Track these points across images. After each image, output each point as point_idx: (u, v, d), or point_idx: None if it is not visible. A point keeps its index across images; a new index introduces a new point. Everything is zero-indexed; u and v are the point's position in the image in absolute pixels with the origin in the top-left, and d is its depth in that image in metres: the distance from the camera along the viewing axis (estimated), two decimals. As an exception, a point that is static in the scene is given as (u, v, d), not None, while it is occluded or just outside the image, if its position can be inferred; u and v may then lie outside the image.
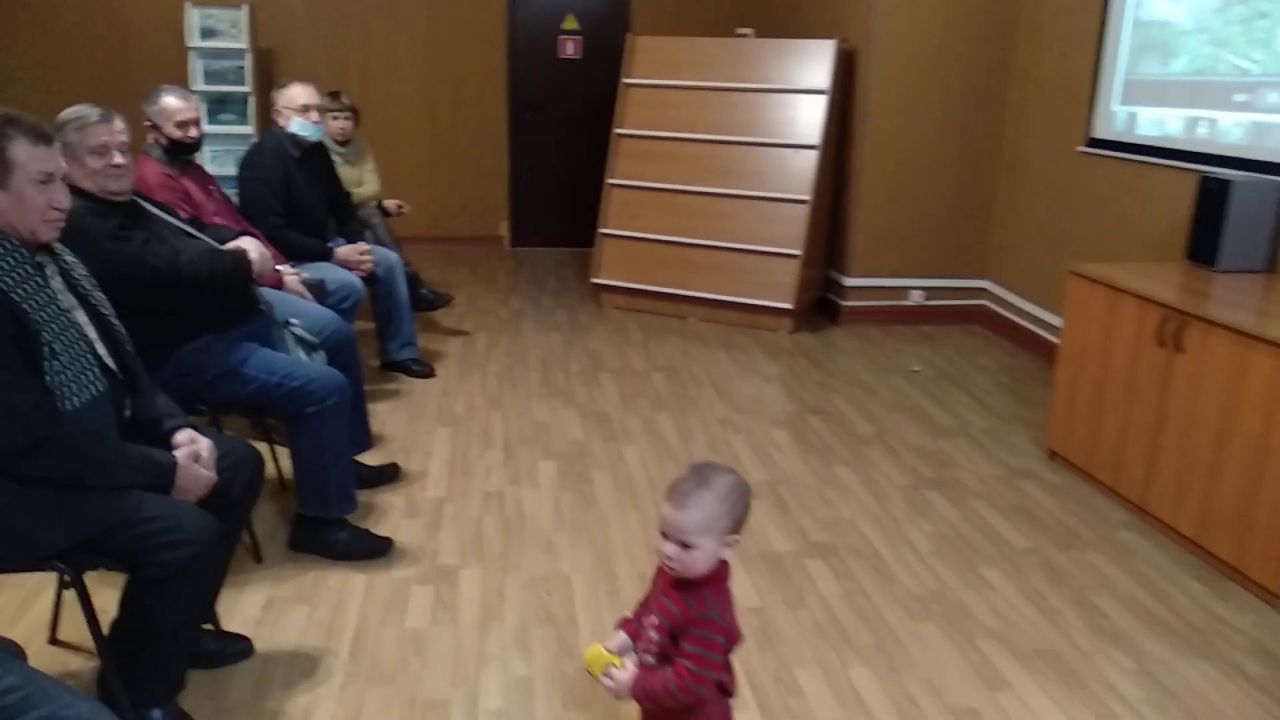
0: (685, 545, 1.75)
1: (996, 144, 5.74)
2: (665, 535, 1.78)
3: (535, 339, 5.40)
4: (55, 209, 2.04)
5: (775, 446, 4.05)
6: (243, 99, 6.32)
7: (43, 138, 2.02)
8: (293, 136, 4.15)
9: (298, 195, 4.13)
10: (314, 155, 4.32)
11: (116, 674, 2.15)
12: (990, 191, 5.82)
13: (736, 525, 1.78)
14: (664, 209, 5.91)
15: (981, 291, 5.95)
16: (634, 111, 6.04)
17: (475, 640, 2.67)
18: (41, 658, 2.52)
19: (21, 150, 1.98)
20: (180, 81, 5.99)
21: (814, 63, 5.65)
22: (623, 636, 1.92)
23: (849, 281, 5.92)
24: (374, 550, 3.06)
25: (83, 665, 2.50)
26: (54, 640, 2.59)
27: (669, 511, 1.76)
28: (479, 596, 2.89)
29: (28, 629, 2.63)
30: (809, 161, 5.60)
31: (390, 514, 3.35)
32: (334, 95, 5.02)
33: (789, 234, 5.61)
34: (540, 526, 3.32)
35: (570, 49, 7.46)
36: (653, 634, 1.86)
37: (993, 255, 5.88)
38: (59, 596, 2.61)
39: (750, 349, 5.37)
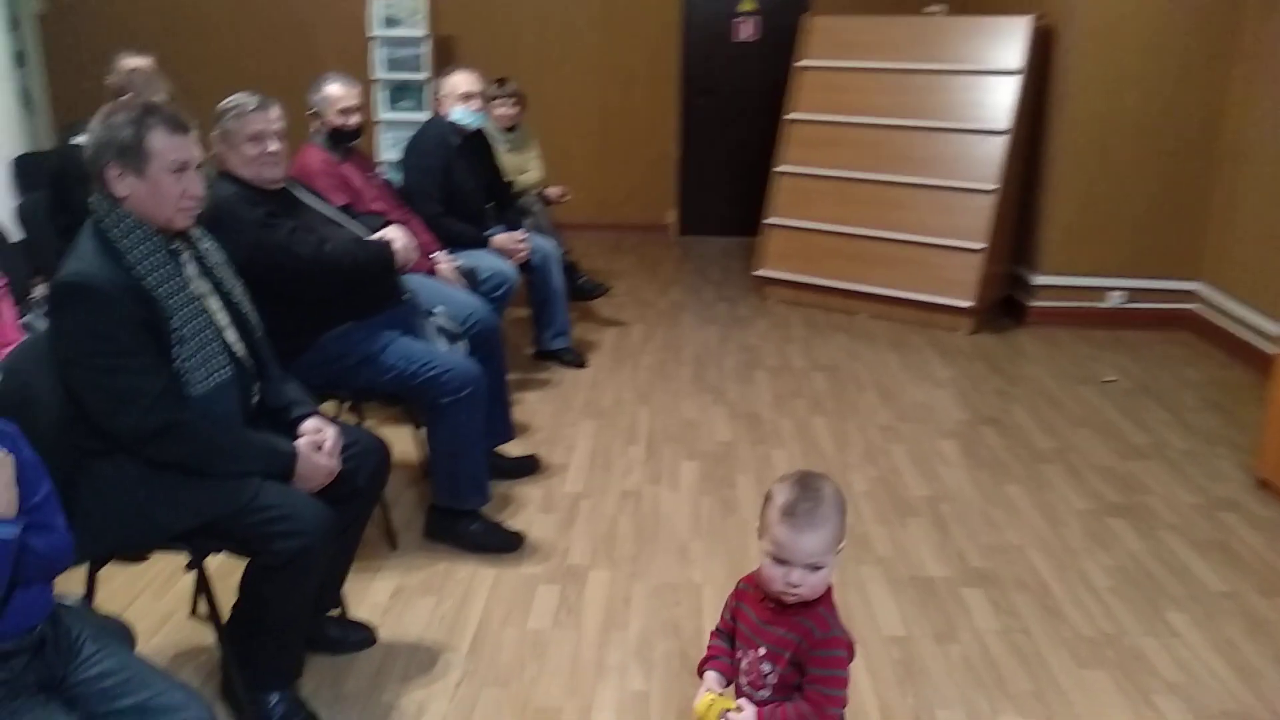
0: (814, 567, 1.63)
1: (1215, 130, 5.14)
2: (785, 561, 1.63)
3: (692, 332, 5.26)
4: (189, 197, 2.06)
5: (941, 459, 3.75)
6: (420, 86, 6.47)
7: (179, 128, 2.03)
8: (454, 124, 4.16)
9: (457, 183, 4.14)
10: (475, 143, 4.33)
11: (234, 657, 2.17)
12: (1207, 183, 5.21)
13: (844, 531, 1.68)
14: (835, 198, 5.63)
15: (1191, 295, 5.35)
16: (806, 95, 5.78)
17: (595, 648, 2.57)
18: (180, 630, 2.61)
19: (159, 139, 2.00)
20: (361, 70, 6.21)
21: (1006, 41, 5.22)
22: (714, 676, 1.77)
23: (1038, 279, 5.46)
24: (505, 545, 3.01)
25: (216, 643, 2.56)
26: (194, 614, 2.68)
27: (795, 536, 1.62)
28: (604, 601, 2.78)
29: (174, 600, 2.73)
30: (997, 148, 5.18)
31: (526, 507, 3.30)
32: (501, 82, 5.03)
33: (972, 226, 5.21)
34: (675, 531, 3.18)
35: (746, 31, 7.24)
36: (765, 667, 1.71)
37: (1208, 255, 5.27)
38: (200, 576, 2.69)
39: (923, 350, 5.03)
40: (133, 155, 2.00)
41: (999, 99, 5.21)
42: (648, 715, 2.33)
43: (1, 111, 4.50)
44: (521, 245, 4.21)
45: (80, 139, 3.80)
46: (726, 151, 7.47)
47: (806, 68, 5.79)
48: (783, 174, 5.83)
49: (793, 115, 5.80)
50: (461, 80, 4.18)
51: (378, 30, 6.42)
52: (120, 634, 1.77)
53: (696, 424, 4.02)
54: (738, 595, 1.80)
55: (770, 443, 3.86)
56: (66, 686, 1.55)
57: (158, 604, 2.71)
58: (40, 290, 3.31)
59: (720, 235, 7.57)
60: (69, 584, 2.24)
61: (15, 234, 3.71)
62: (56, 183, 3.73)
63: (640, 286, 6.14)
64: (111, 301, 1.95)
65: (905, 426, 4.05)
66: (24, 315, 3.02)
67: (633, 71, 7.29)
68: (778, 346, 5.04)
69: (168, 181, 2.03)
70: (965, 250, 5.21)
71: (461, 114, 4.17)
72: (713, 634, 1.84)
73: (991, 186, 5.15)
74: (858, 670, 2.47)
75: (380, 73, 6.48)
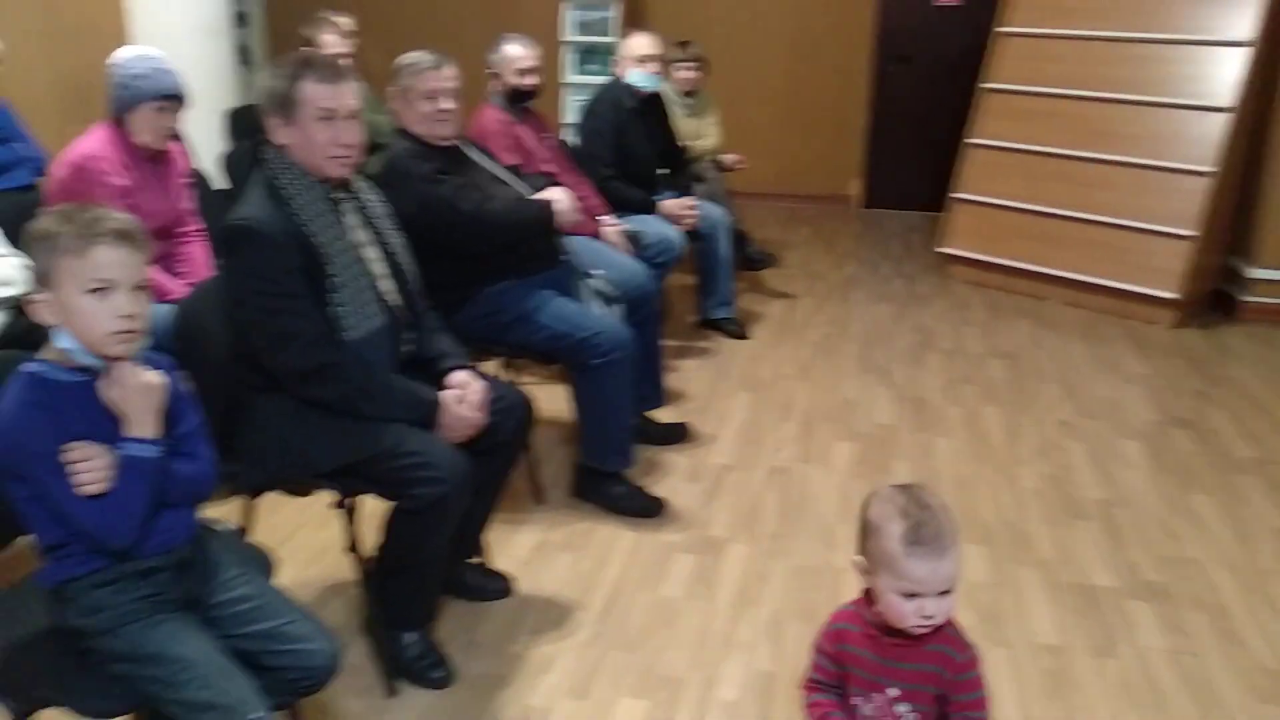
0: (946, 592, 1.50)
1: None
2: (917, 595, 1.50)
3: (863, 308, 5.08)
4: (339, 145, 2.12)
5: (1122, 461, 3.47)
6: (608, 49, 6.51)
7: (329, 77, 2.10)
8: (630, 87, 4.15)
9: (629, 146, 4.13)
10: (651, 107, 4.30)
11: (374, 595, 2.27)
12: None
13: None
14: (1030, 174, 5.27)
15: None
16: (1006, 64, 5.42)
17: (726, 623, 2.54)
18: (334, 565, 2.74)
19: (309, 88, 2.08)
20: (553, 32, 6.31)
21: (1236, 9, 4.71)
22: None
23: (1257, 273, 4.95)
24: (647, 510, 3.01)
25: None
26: (348, 549, 2.81)
27: (929, 566, 1.48)
28: (740, 576, 2.74)
29: (331, 536, 2.87)
30: (1217, 126, 4.70)
31: (672, 474, 3.29)
32: (684, 45, 4.98)
33: (1182, 211, 4.77)
34: (822, 513, 3.09)
35: (949, -5, 6.88)
36: (901, 709, 1.58)
37: None
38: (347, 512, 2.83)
39: (1115, 342, 4.67)
40: (286, 104, 2.10)
41: (1224, 73, 4.72)
42: (773, 697, 2.28)
43: (218, 67, 4.83)
44: (690, 212, 4.17)
45: None
46: (917, 122, 7.15)
47: (1008, 34, 5.44)
48: (975, 146, 5.51)
49: (990, 84, 5.47)
50: (640, 43, 4.15)
51: (569, -7, 6.50)
52: (260, 563, 1.87)
53: (856, 404, 3.89)
54: (836, 638, 1.63)
55: (934, 430, 3.68)
56: (206, 607, 1.65)
57: (316, 537, 2.87)
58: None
59: (905, 209, 7.27)
60: (235, 513, 2.41)
61: (220, 183, 3.98)
62: (257, 134, 3.97)
63: (814, 259, 5.98)
64: (275, 245, 2.05)
65: (1086, 423, 3.77)
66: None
67: (824, 37, 7.07)
68: (954, 329, 4.80)
69: (316, 129, 2.10)
70: (1173, 236, 4.77)
71: (638, 76, 4.15)
72: (810, 687, 1.68)
73: (1208, 169, 4.69)
74: (1000, 677, 2.33)
75: (569, 35, 6.56)
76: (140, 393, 1.51)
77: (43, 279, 1.48)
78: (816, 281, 5.51)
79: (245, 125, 4.50)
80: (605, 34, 6.43)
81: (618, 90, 4.18)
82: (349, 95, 2.13)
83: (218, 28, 4.85)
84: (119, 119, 2.83)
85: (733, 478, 3.28)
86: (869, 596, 1.60)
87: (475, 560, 2.66)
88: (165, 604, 1.58)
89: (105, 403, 1.51)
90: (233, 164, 4.00)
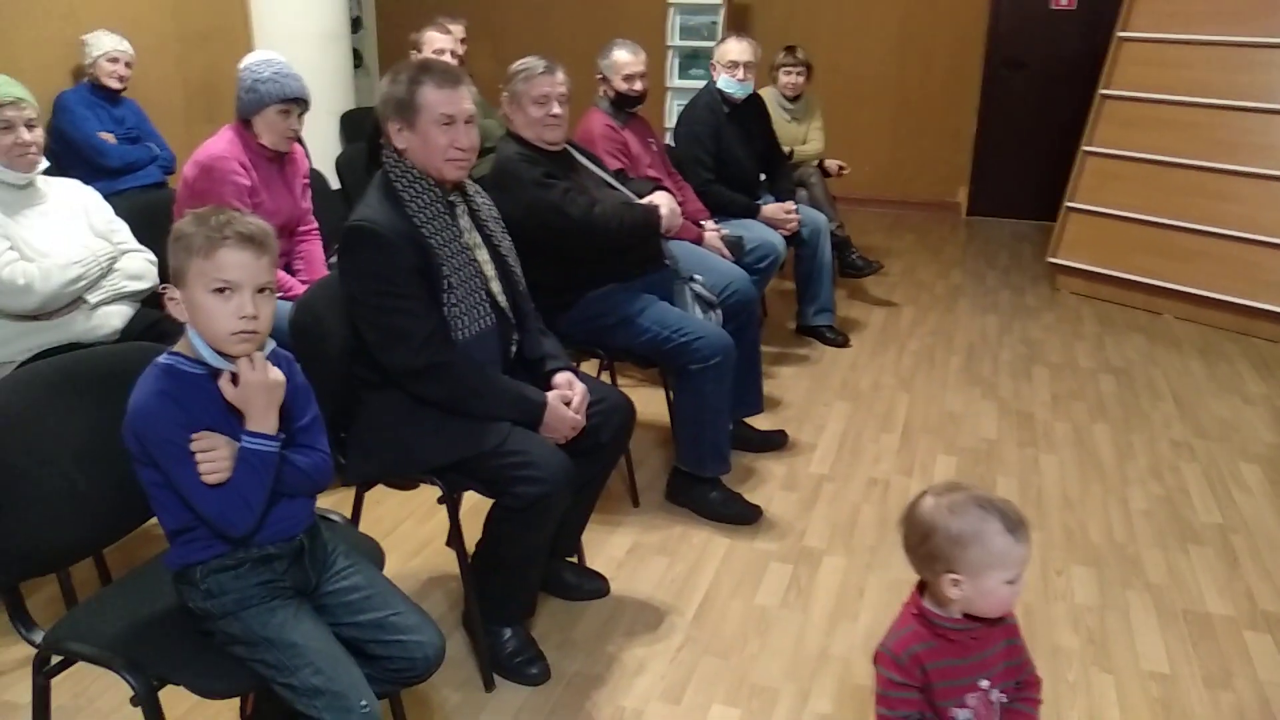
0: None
1: None
2: (1012, 582, 1.54)
3: (968, 319, 4.96)
4: (458, 149, 2.18)
5: (1240, 485, 3.32)
6: (711, 54, 6.49)
7: (450, 82, 2.16)
8: (721, 92, 4.15)
9: (726, 151, 4.12)
10: (748, 111, 4.28)
11: (474, 590, 2.31)
12: None
13: None
14: (1149, 184, 5.08)
15: None
16: (1127, 70, 5.23)
17: (821, 635, 2.51)
18: (436, 557, 2.82)
19: (428, 93, 2.13)
20: (658, 37, 6.34)
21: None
22: None
23: (1394, 291, 4.67)
24: (742, 516, 3.00)
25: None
26: (449, 544, 2.88)
27: (1025, 549, 1.54)
28: (836, 588, 2.71)
29: (433, 529, 2.96)
30: (1356, 136, 4.46)
31: (768, 482, 3.27)
32: (790, 50, 4.95)
33: (1314, 225, 4.54)
34: (921, 526, 3.03)
35: (1065, -1, 6.68)
36: (995, 695, 1.61)
37: None
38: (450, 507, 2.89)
39: (1236, 361, 4.46)
40: (407, 109, 2.16)
41: (1366, 78, 4.47)
42: (867, 713, 2.24)
43: (338, 70, 5.00)
44: (791, 217, 4.14)
45: None
46: (1028, 128, 6.96)
47: (1129, 39, 5.25)
48: (1090, 154, 5.34)
49: (1109, 91, 5.29)
50: (732, 48, 4.14)
51: (675, -3, 6.52)
52: (371, 553, 1.92)
53: (960, 417, 3.80)
54: (915, 664, 1.57)
55: (1040, 446, 3.58)
56: (318, 595, 1.71)
57: (419, 529, 2.94)
58: (349, 235, 3.65)
59: (1013, 218, 7.09)
60: (342, 505, 2.48)
61: (334, 183, 4.11)
62: (372, 136, 4.10)
63: (918, 267, 5.87)
64: (392, 246, 2.11)
65: (1202, 444, 3.61)
66: (331, 258, 3.35)
67: (934, 42, 6.94)
68: (1064, 342, 4.66)
69: (435, 133, 2.16)
70: (1303, 251, 4.54)
71: (725, 83, 4.14)
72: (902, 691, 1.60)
73: (1345, 179, 4.45)
74: (1105, 703, 2.26)
75: (674, 39, 6.57)
76: (262, 390, 1.57)
77: (175, 277, 1.55)
78: (920, 290, 5.41)
79: (357, 128, 4.65)
80: (711, 38, 6.41)
81: (713, 94, 4.18)
82: (466, 100, 2.18)
83: (336, 32, 5.01)
84: (245, 121, 2.95)
85: (830, 488, 3.25)
86: (925, 612, 1.59)
87: (572, 560, 2.69)
88: (282, 590, 1.64)
89: (228, 398, 1.57)
90: (345, 166, 4.13)
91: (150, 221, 2.91)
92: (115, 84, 4.12)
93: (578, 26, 7.22)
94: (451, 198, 2.26)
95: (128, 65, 4.15)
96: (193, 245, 1.52)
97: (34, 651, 1.66)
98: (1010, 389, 4.08)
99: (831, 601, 2.65)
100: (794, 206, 4.18)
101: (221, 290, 1.52)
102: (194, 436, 1.54)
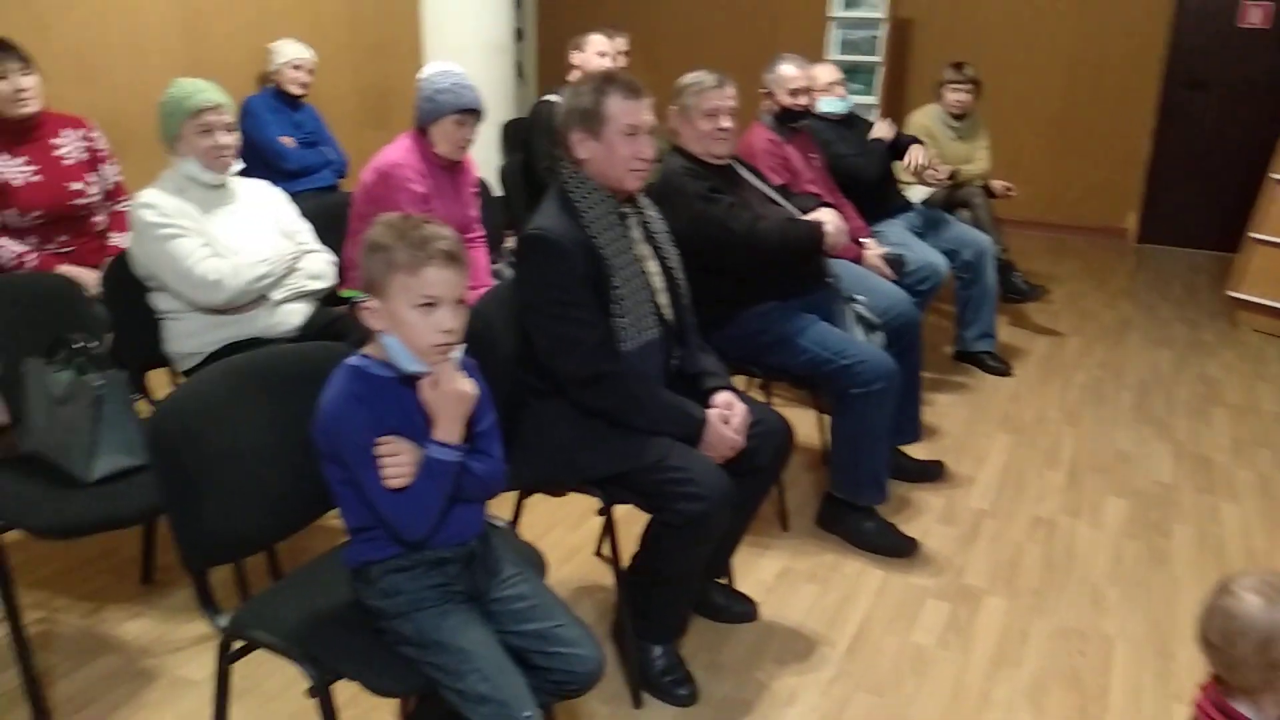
0: None
1: None
2: None
3: (1139, 353, 4.68)
4: (639, 159, 2.17)
5: None
6: (871, 69, 6.38)
7: (634, 93, 2.16)
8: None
9: (842, 168, 3.97)
10: (848, 131, 4.12)
11: (628, 604, 2.30)
12: None
13: None
14: (1349, 217, 4.70)
15: None
16: (1329, 93, 4.86)
17: (982, 679, 2.39)
18: (584, 567, 2.82)
19: (614, 104, 2.14)
20: (817, 50, 6.25)
21: None
22: None
23: None
24: (898, 549, 2.90)
25: (613, 583, 2.74)
26: (598, 554, 2.88)
27: None
28: (998, 631, 2.58)
29: (582, 538, 2.96)
30: None
31: (924, 514, 3.15)
32: (957, 66, 4.80)
33: None
34: (1090, 572, 2.86)
35: (1257, 17, 6.25)
36: None
37: None
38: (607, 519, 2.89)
39: None
40: (592, 119, 2.16)
41: None
42: (1031, 767, 2.13)
43: (502, 80, 5.11)
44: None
45: (550, 96, 4.21)
46: (1207, 152, 6.55)
47: (1333, 59, 4.88)
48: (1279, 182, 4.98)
49: (1305, 115, 4.93)
50: (822, 72, 4.01)
51: (837, 11, 6.42)
52: (535, 562, 1.93)
53: (1131, 458, 3.58)
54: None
55: (1220, 493, 3.33)
56: (486, 601, 1.71)
57: (569, 538, 2.95)
58: (510, 242, 3.72)
59: (1187, 247, 6.68)
60: (501, 510, 2.51)
61: (496, 190, 4.20)
62: (527, 142, 4.17)
63: (1083, 294, 5.59)
64: (567, 255, 2.12)
65: None
66: (495, 264, 3.41)
67: (1107, 61, 6.62)
68: (1246, 382, 4.34)
69: (620, 144, 2.16)
70: None
71: (830, 104, 4.03)
72: None
73: None
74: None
75: (834, 54, 6.48)
76: (454, 400, 1.59)
77: (373, 287, 1.58)
78: (1086, 319, 5.15)
79: (517, 137, 4.74)
80: (871, 53, 6.30)
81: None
82: (649, 112, 2.18)
83: (502, 44, 5.13)
84: (422, 129, 3.03)
85: (991, 525, 3.10)
86: (1238, 716, 1.45)
87: (721, 581, 2.65)
88: (453, 594, 1.66)
89: (421, 403, 1.60)
90: (506, 175, 4.21)
91: (328, 224, 3.02)
92: (297, 90, 4.32)
93: (736, 41, 7.21)
94: (624, 209, 2.25)
95: (310, 73, 4.34)
96: (396, 260, 1.54)
97: (204, 631, 1.73)
98: (1187, 430, 3.83)
99: (993, 645, 2.52)
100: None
101: (425, 305, 1.55)
102: (379, 440, 1.57)
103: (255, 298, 2.61)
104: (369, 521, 1.64)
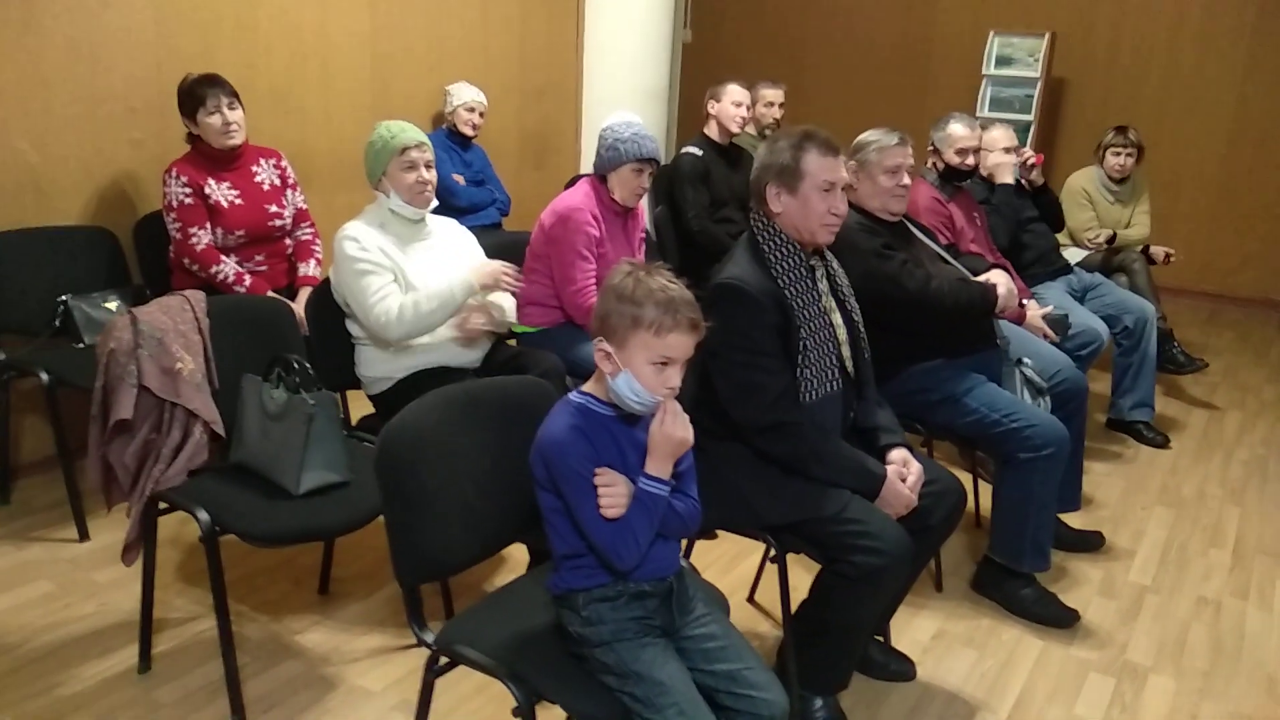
0: None
1: None
2: None
3: (1306, 432, 4.49)
4: (833, 214, 2.23)
5: None
6: (1025, 127, 6.31)
7: (831, 150, 2.22)
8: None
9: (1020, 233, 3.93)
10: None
11: (794, 653, 2.31)
12: None
13: None
14: None
15: None
16: None
17: (1153, 761, 2.32)
18: (737, 612, 2.84)
19: (812, 160, 2.20)
20: (969, 107, 6.23)
21: None
22: None
23: None
24: (1058, 619, 2.84)
25: (768, 631, 2.76)
26: (751, 600, 2.91)
27: None
28: (1166, 711, 2.50)
29: (733, 581, 2.99)
30: None
31: (1083, 586, 3.08)
32: (1120, 130, 4.71)
33: None
34: (1263, 657, 2.75)
35: None
36: None
37: None
38: (762, 564, 2.92)
39: None
40: (789, 175, 2.23)
41: None
42: None
43: (655, 126, 5.23)
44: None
45: (689, 148, 4.30)
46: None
47: None
48: None
49: None
50: (1000, 136, 3.96)
51: (991, 69, 6.38)
52: (721, 603, 1.97)
53: (1303, 541, 3.44)
54: None
55: (1405, 586, 3.16)
56: (678, 637, 1.76)
57: (720, 581, 2.98)
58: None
59: (1353, 324, 6.37)
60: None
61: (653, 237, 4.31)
62: (669, 193, 4.25)
63: (1242, 368, 5.38)
64: (758, 305, 2.18)
65: None
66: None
67: (1271, 127, 6.41)
68: None
69: (816, 199, 2.22)
70: None
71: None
72: None
73: None
74: None
75: (984, 110, 6.44)
76: (673, 441, 1.66)
77: (609, 332, 1.67)
78: (1246, 394, 4.95)
79: (659, 187, 4.85)
80: (1025, 112, 6.24)
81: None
82: (843, 169, 2.24)
83: (657, 91, 5.27)
84: (602, 176, 3.16)
85: (1153, 601, 3.01)
86: None
87: (878, 638, 2.64)
88: (652, 628, 1.71)
89: (633, 440, 1.67)
90: (660, 223, 4.31)
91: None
92: (469, 131, 4.53)
93: (886, 96, 7.23)
94: (813, 261, 2.31)
95: (481, 115, 4.55)
96: (643, 318, 1.63)
97: (380, 644, 1.81)
98: (1362, 517, 3.64)
99: (1163, 726, 2.45)
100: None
101: (659, 364, 1.64)
102: (597, 471, 1.65)
103: (427, 332, 2.72)
104: (578, 549, 1.71)
